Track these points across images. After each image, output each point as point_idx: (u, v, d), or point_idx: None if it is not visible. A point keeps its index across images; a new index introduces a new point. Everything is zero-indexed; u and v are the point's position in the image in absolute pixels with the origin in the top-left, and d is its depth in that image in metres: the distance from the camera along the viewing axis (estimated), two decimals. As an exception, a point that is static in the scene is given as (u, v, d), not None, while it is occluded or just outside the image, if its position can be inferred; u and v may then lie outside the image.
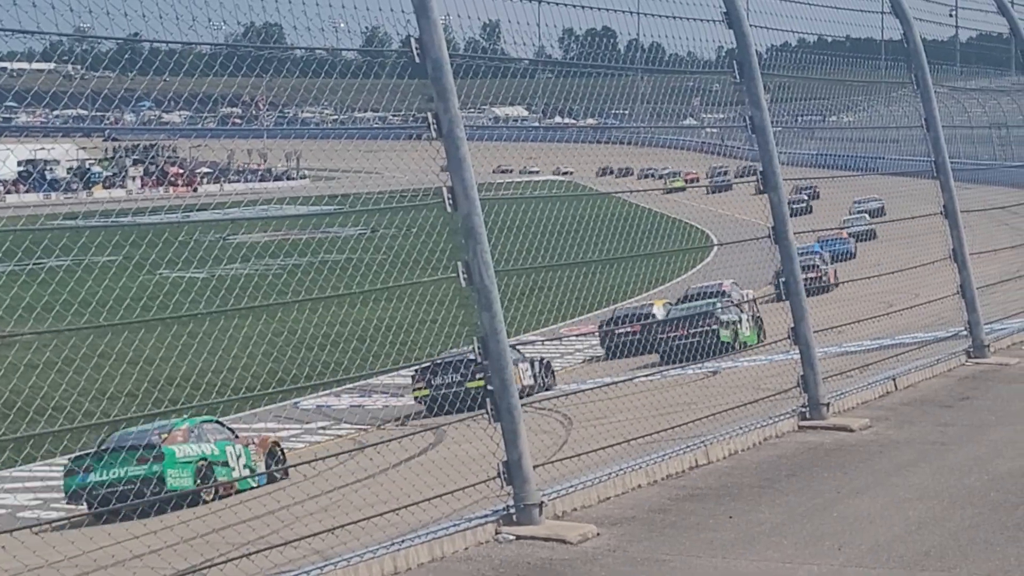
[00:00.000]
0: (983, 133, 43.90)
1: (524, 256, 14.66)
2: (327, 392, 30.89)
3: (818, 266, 31.35)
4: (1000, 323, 19.71)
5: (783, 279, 14.66)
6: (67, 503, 21.91)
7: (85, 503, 20.58)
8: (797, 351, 14.53)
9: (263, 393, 15.03)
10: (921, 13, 18.72)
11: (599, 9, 13.68)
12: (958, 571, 9.27)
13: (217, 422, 24.08)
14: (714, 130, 24.56)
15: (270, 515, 13.22)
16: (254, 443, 23.98)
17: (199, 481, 21.45)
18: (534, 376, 29.15)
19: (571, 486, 11.34)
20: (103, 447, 21.01)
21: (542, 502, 10.71)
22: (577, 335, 35.41)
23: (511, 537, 10.44)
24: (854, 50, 21.11)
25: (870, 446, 13.37)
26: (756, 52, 14.70)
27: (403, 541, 9.98)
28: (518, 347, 28.20)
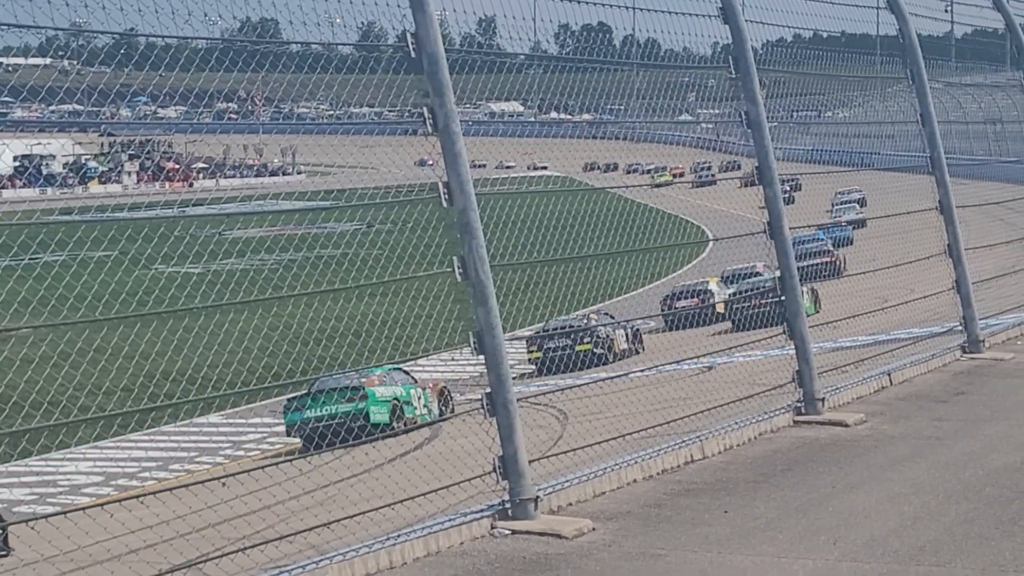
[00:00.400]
0: (978, 129, 43.86)
1: (520, 251, 14.66)
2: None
3: (830, 251, 31.80)
4: (995, 318, 19.73)
5: (779, 273, 14.67)
6: (287, 435, 26.07)
7: (301, 436, 24.34)
8: (792, 346, 14.55)
9: (259, 388, 15.04)
10: (917, 8, 18.73)
11: (595, 4, 13.68)
12: (953, 566, 9.28)
13: (402, 370, 28.05)
14: (709, 126, 24.56)
15: (265, 510, 13.23)
16: (429, 387, 28.16)
17: (393, 416, 25.28)
18: (628, 341, 31.06)
19: (566, 481, 11.36)
20: (315, 389, 25.05)
21: (537, 497, 10.72)
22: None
23: (506, 532, 10.45)
24: (850, 45, 21.08)
25: (865, 441, 13.38)
26: (752, 48, 14.71)
27: (398, 536, 9.99)
28: (610, 314, 29.30)
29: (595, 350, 29.66)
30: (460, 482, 11.04)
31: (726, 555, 9.78)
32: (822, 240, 33.59)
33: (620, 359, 28.77)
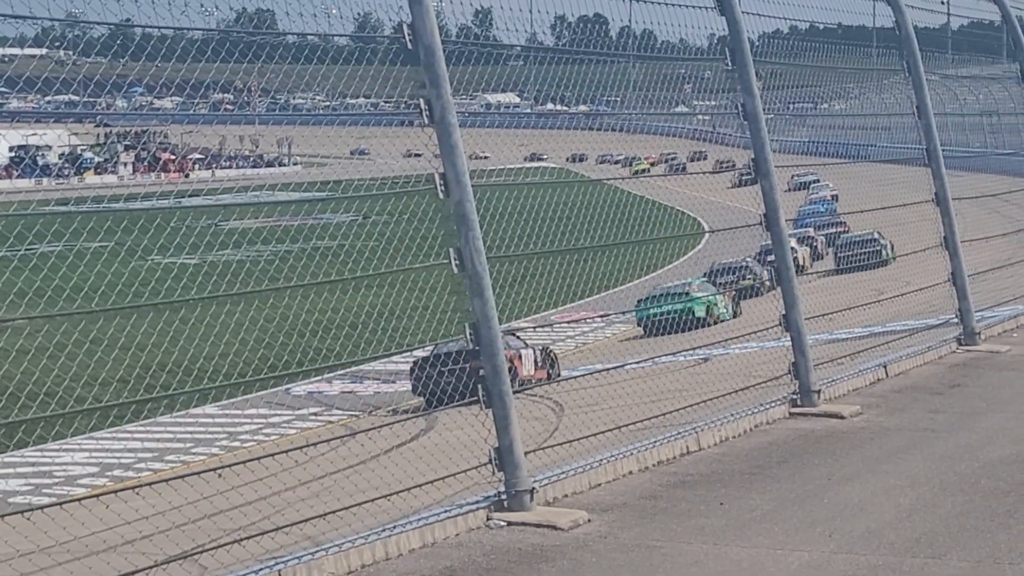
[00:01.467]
0: (974, 121, 43.87)
1: (516, 243, 14.66)
2: (319, 379, 30.91)
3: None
4: (991, 311, 19.75)
5: (775, 265, 14.69)
6: (637, 326, 30.79)
7: (645, 328, 27.51)
8: (788, 338, 14.56)
9: (255, 379, 15.03)
10: (913, 0, 18.71)
11: (591, -5, 13.68)
12: (948, 557, 9.29)
13: (709, 282, 33.90)
14: (706, 118, 24.56)
15: (261, 501, 13.21)
16: (727, 295, 32.51)
17: (707, 313, 30.27)
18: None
19: (562, 472, 11.36)
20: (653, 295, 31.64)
21: (533, 488, 10.73)
22: (568, 322, 35.44)
23: (502, 523, 10.46)
24: (846, 37, 21.10)
25: (861, 433, 13.40)
26: (748, 39, 14.70)
27: (394, 527, 9.99)
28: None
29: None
30: (456, 473, 11.05)
31: (722, 547, 9.79)
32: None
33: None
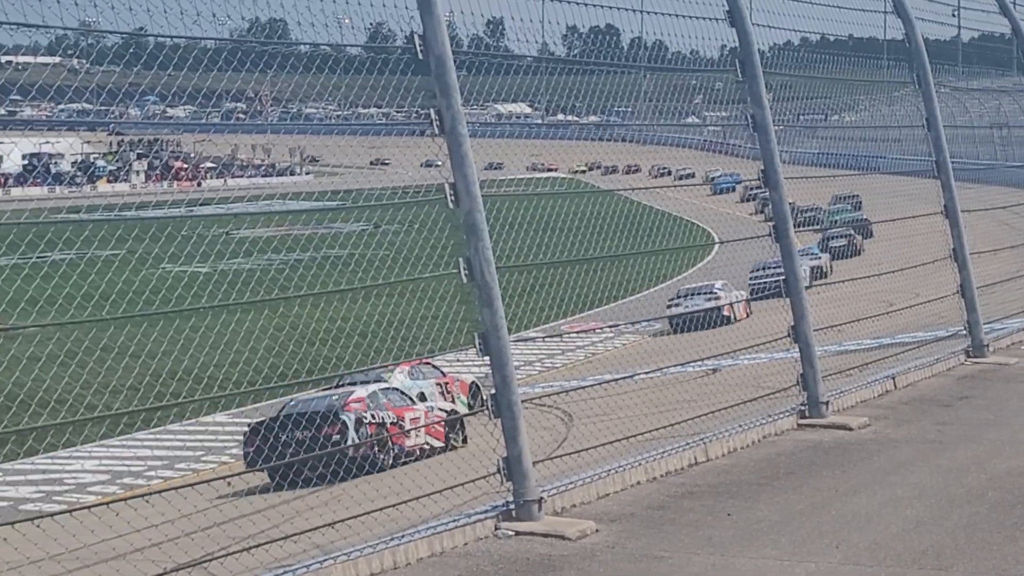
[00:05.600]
0: (984, 133, 43.89)
1: (526, 253, 14.70)
2: (328, 387, 30.91)
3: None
4: (1000, 323, 19.75)
5: (784, 277, 14.71)
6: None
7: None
8: (797, 349, 14.57)
9: (265, 387, 15.07)
10: (923, 13, 18.75)
11: (603, 7, 13.71)
12: (955, 570, 9.31)
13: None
14: (716, 129, 24.58)
15: (270, 509, 13.26)
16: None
17: None
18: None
19: (571, 482, 11.38)
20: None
21: (541, 498, 10.75)
22: (579, 331, 35.45)
23: (510, 533, 10.48)
24: (857, 49, 21.10)
25: (869, 445, 13.41)
26: (759, 51, 14.73)
27: (403, 536, 10.02)
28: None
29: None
30: (464, 483, 11.07)
31: (729, 558, 9.81)
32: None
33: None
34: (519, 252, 14.05)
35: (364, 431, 22.63)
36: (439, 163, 11.11)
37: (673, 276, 35.33)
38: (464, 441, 23.07)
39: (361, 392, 24.17)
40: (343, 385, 25.45)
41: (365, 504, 11.15)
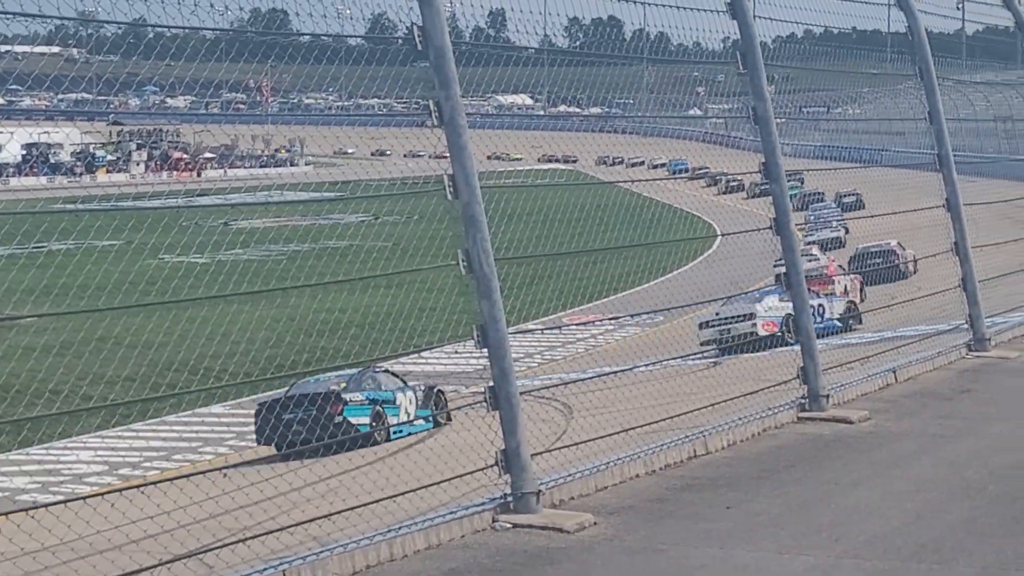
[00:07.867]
0: (988, 126, 43.86)
1: (525, 245, 14.64)
2: (327, 378, 30.91)
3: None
4: (1002, 316, 19.70)
5: (786, 270, 14.67)
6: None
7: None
8: (798, 342, 14.53)
9: (263, 378, 15.04)
10: (927, 6, 18.66)
11: (604, -2, 13.66)
12: (955, 564, 9.26)
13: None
14: (719, 121, 24.55)
15: (267, 501, 13.22)
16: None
17: None
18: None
19: (569, 475, 11.34)
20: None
21: (540, 491, 10.71)
22: (579, 324, 35.42)
23: (508, 525, 10.44)
24: (860, 42, 21.05)
25: (869, 438, 13.36)
26: (763, 43, 14.68)
27: (400, 528, 9.98)
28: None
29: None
30: (462, 475, 11.03)
31: (728, 551, 9.77)
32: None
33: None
34: (519, 245, 13.99)
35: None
36: (422, 153, 11.07)
37: (673, 270, 35.27)
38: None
39: None
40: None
41: (362, 496, 11.11)
